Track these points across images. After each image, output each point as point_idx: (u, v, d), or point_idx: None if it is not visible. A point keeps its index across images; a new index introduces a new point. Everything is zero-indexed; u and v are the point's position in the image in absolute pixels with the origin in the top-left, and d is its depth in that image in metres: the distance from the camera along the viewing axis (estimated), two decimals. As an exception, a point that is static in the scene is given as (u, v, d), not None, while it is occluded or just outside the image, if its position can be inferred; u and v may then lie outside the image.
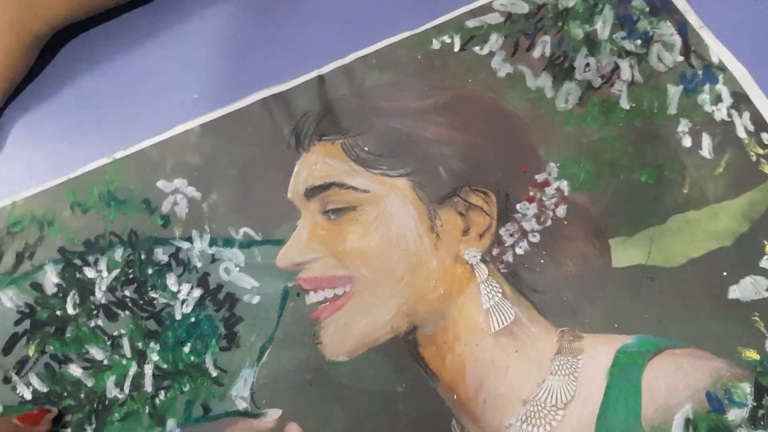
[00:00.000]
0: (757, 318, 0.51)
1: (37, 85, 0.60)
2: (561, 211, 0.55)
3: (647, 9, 0.60)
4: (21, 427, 0.47)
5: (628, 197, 0.55)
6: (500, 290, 0.53)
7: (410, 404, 0.50)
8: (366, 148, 0.57)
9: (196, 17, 0.62)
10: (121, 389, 0.51)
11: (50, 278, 0.54)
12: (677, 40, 0.59)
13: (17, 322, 0.53)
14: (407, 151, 0.57)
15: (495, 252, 0.54)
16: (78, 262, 0.54)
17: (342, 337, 0.52)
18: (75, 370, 0.51)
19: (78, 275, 0.53)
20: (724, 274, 0.52)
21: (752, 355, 0.50)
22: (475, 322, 0.52)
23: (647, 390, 0.49)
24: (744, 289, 0.52)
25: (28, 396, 0.51)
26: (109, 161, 0.57)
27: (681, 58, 0.59)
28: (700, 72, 0.58)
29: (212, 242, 0.54)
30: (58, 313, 0.52)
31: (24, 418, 0.47)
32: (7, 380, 0.51)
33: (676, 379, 0.50)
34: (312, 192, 0.55)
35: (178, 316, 0.52)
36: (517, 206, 0.55)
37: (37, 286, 0.53)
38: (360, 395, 0.50)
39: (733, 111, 0.57)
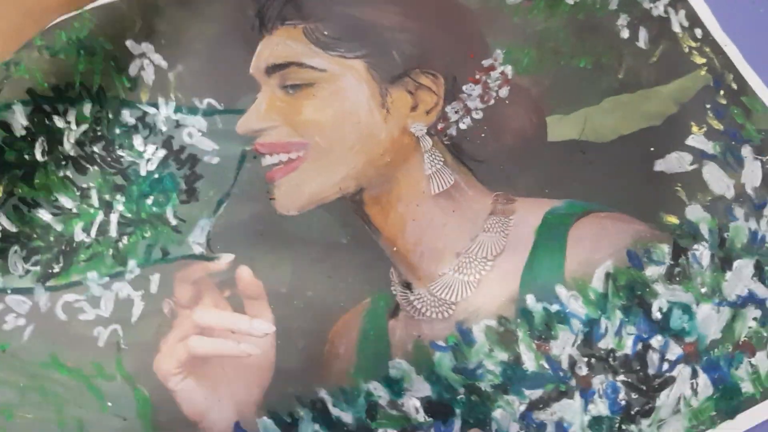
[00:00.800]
0: (679, 188, 0.55)
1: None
2: (504, 92, 0.59)
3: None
4: None
5: (567, 81, 0.59)
6: (442, 159, 0.57)
7: (353, 254, 0.54)
8: (326, 32, 0.60)
9: None
10: (88, 234, 0.55)
11: (19, 119, 0.56)
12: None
13: (-15, 161, 0.56)
14: (364, 36, 0.60)
15: (440, 126, 0.58)
16: (47, 107, 0.57)
17: (294, 195, 0.56)
18: (44, 215, 0.55)
19: (47, 122, 0.57)
20: (652, 149, 0.57)
21: (672, 219, 0.54)
22: (417, 186, 0.56)
23: (572, 246, 0.53)
24: (669, 163, 0.56)
25: (-2, 235, 0.54)
26: (78, 11, 0.60)
27: None
28: None
29: (177, 109, 0.58)
30: (26, 157, 0.56)
31: None
32: (-26, 218, 0.54)
33: (599, 238, 0.54)
34: (272, 69, 0.59)
35: (143, 173, 0.56)
36: (464, 87, 0.59)
37: (5, 126, 0.56)
38: (307, 245, 0.54)
39: (669, 9, 0.61)
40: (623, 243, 0.53)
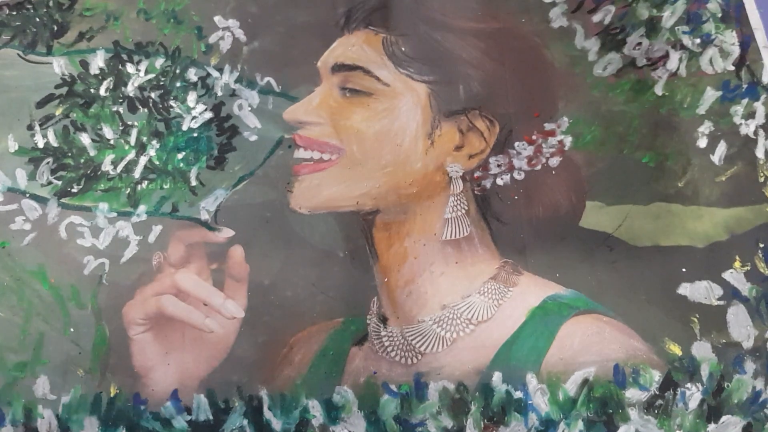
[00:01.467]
0: (695, 319, 0.51)
1: None
2: (554, 161, 0.56)
3: (719, 14, 0.60)
4: None
5: (622, 171, 0.56)
6: (466, 207, 0.55)
7: (345, 270, 0.54)
8: (403, 48, 0.60)
9: None
10: (115, 168, 0.57)
11: (98, 61, 0.61)
12: (735, 51, 0.59)
13: (57, 86, 0.60)
14: (438, 62, 0.59)
15: (476, 174, 0.56)
16: (125, 56, 0.61)
17: (311, 194, 0.56)
18: (85, 139, 0.58)
19: (120, 67, 0.60)
20: (683, 270, 0.53)
21: (675, 349, 0.51)
22: (431, 226, 0.55)
23: (560, 340, 0.51)
24: (695, 290, 0.52)
25: (40, 145, 0.58)
26: (184, -14, 0.63)
27: (732, 68, 0.58)
28: (744, 86, 0.58)
29: (238, 79, 0.60)
30: (92, 90, 0.59)
31: None
32: (30, 127, 0.58)
33: (592, 342, 0.51)
34: (339, 68, 0.59)
35: (184, 127, 0.58)
36: (516, 144, 0.57)
37: (85, 64, 0.60)
38: (305, 245, 0.54)
39: (761, 131, 0.57)
40: (614, 355, 0.50)
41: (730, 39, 0.59)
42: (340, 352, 0.52)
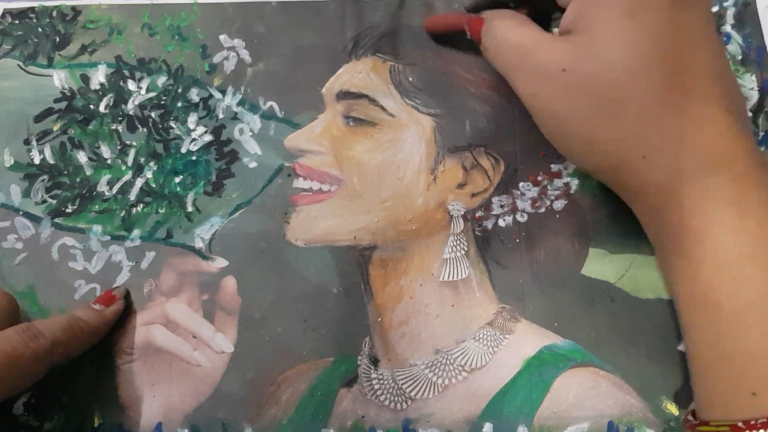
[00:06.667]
0: (695, 378, 0.50)
1: None
2: (559, 204, 0.55)
3: (739, 56, 0.58)
4: (97, 312, 0.50)
5: (629, 219, 0.54)
6: (465, 248, 0.54)
7: (338, 307, 0.53)
8: (410, 78, 0.58)
9: None
10: (110, 188, 0.56)
11: (99, 76, 0.59)
12: (754, 96, 0.57)
13: (57, 101, 0.59)
14: (445, 95, 0.58)
15: (478, 214, 0.55)
16: (126, 72, 0.59)
17: (308, 226, 0.55)
18: (82, 157, 0.57)
19: (121, 83, 0.59)
20: (685, 325, 0.51)
21: (672, 409, 0.49)
22: (428, 266, 0.53)
23: (554, 392, 0.49)
24: (697, 348, 0.50)
25: (36, 161, 0.57)
26: (190, 2, 0.62)
27: (749, 115, 0.57)
28: (761, 133, 0.56)
29: (241, 102, 0.58)
30: (92, 106, 0.58)
31: (100, 300, 0.52)
32: (27, 142, 0.57)
33: (586, 396, 0.49)
34: (344, 95, 0.58)
35: (183, 150, 0.57)
36: (520, 184, 0.55)
37: (86, 78, 0.59)
38: (298, 279, 0.53)
39: (775, 183, 0.55)
40: (609, 411, 0.49)
41: (749, 83, 0.58)
42: (328, 393, 0.51)
